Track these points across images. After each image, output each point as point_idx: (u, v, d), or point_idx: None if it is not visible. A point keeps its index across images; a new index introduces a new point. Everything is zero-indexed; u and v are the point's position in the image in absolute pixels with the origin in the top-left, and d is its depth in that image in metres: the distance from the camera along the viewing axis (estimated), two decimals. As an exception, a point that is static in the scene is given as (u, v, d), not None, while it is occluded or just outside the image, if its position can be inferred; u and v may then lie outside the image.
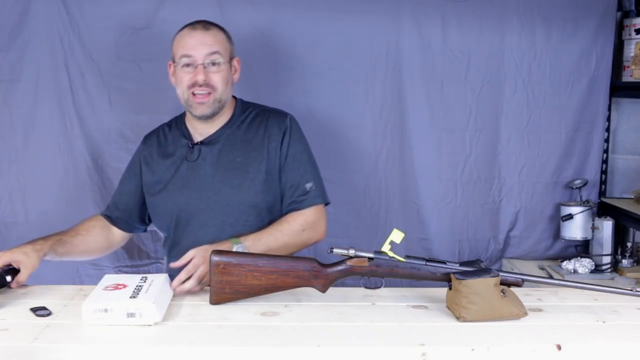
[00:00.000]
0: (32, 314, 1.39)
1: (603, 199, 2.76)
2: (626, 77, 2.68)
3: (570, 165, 2.71)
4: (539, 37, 2.61)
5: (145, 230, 2.08)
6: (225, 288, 1.47)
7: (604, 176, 2.78)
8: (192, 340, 1.29)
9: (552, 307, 1.51)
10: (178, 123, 2.00)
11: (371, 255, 1.48)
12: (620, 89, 2.71)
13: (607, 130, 2.75)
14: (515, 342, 1.31)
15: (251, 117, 1.91)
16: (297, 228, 1.78)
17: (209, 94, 1.81)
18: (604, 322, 1.43)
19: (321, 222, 1.83)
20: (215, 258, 1.47)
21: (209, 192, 1.84)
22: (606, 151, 2.77)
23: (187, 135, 1.92)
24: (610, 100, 2.71)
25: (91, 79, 2.46)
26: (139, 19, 2.44)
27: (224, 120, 1.90)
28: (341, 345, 1.29)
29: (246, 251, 1.68)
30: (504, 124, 2.66)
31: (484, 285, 1.39)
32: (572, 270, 2.58)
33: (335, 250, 1.49)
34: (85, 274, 2.52)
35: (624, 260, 2.64)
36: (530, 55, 2.62)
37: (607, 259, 2.62)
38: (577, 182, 2.67)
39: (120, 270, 2.55)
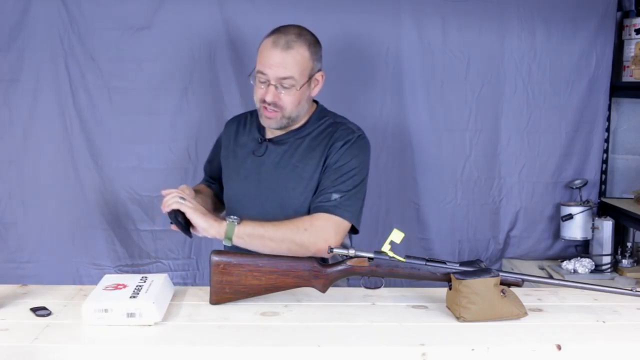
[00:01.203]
0: (32, 314, 1.39)
1: (603, 199, 2.76)
2: (626, 77, 2.68)
3: (570, 165, 2.72)
4: (539, 37, 2.61)
5: None
6: (225, 288, 1.47)
7: (604, 176, 2.79)
8: (192, 340, 1.29)
9: (552, 307, 1.51)
10: (257, 115, 1.92)
11: (371, 255, 1.48)
12: (620, 89, 2.71)
13: (607, 130, 2.75)
14: (515, 342, 1.31)
15: (324, 126, 1.83)
16: (299, 225, 1.69)
17: (277, 112, 1.75)
18: (604, 322, 1.43)
19: (330, 233, 1.67)
20: (215, 258, 1.47)
21: (265, 189, 1.82)
22: (606, 151, 2.78)
23: (261, 130, 1.88)
24: (610, 100, 2.71)
25: (91, 79, 2.46)
26: (139, 19, 2.44)
27: (298, 125, 1.83)
28: (341, 345, 1.29)
29: (236, 223, 1.63)
30: (504, 124, 2.66)
31: (484, 285, 1.39)
32: (572, 270, 2.58)
33: (335, 250, 1.49)
34: (85, 274, 2.52)
35: (624, 260, 2.64)
36: (530, 56, 2.62)
37: (607, 259, 2.62)
38: (577, 182, 2.67)
39: (120, 269, 2.55)
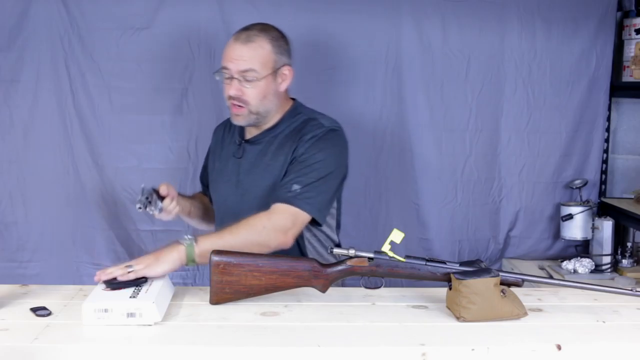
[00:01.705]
0: (32, 314, 1.39)
1: (603, 199, 2.76)
2: (626, 77, 2.68)
3: (570, 165, 2.71)
4: (539, 37, 2.61)
5: None
6: (225, 288, 1.46)
7: (604, 176, 2.78)
8: (192, 340, 1.29)
9: (552, 307, 1.51)
10: None
11: (371, 255, 1.48)
12: (620, 89, 2.71)
13: (607, 130, 2.75)
14: (515, 342, 1.31)
15: (297, 123, 1.84)
16: (257, 224, 1.65)
17: (242, 107, 1.77)
18: (604, 322, 1.43)
19: (287, 224, 1.67)
20: (215, 258, 1.47)
21: (242, 191, 1.84)
22: (606, 151, 2.78)
23: (242, 132, 1.90)
24: (610, 100, 2.71)
25: (91, 79, 2.46)
26: (139, 19, 2.44)
27: (272, 123, 1.85)
28: (341, 345, 1.29)
29: (193, 244, 1.55)
30: (504, 124, 2.66)
31: (484, 285, 1.39)
32: (572, 270, 2.58)
33: (335, 250, 1.49)
34: (85, 274, 2.52)
35: (624, 260, 2.64)
36: (530, 55, 2.62)
37: (607, 259, 2.62)
38: (577, 182, 2.67)
39: (120, 270, 2.55)
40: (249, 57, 1.74)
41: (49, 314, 1.40)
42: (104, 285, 1.46)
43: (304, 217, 1.70)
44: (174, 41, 2.47)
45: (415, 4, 2.54)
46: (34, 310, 1.40)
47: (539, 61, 2.63)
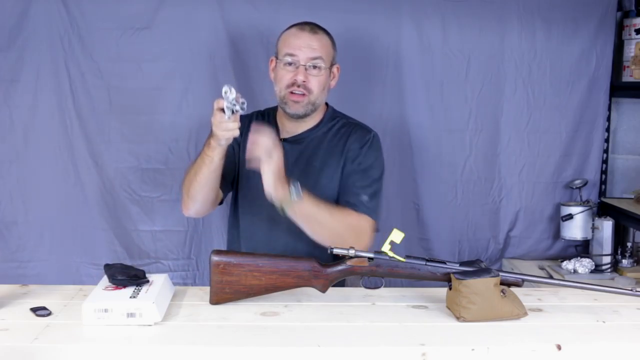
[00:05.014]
0: (32, 314, 1.39)
1: (603, 199, 2.76)
2: (626, 77, 2.68)
3: (570, 165, 2.72)
4: (539, 37, 2.61)
5: (220, 203, 1.99)
6: (225, 288, 1.46)
7: (604, 176, 2.79)
8: (192, 340, 1.29)
9: (552, 307, 1.51)
10: (270, 116, 2.00)
11: (371, 255, 1.48)
12: (620, 89, 2.71)
13: (607, 130, 2.75)
14: (515, 342, 1.31)
15: (338, 126, 1.91)
16: (348, 221, 1.74)
17: (304, 95, 1.82)
18: (604, 322, 1.43)
19: (366, 234, 1.76)
20: (215, 258, 1.47)
21: None
22: (606, 151, 2.78)
23: (275, 130, 1.91)
24: (610, 100, 2.71)
25: (91, 79, 2.46)
26: (139, 19, 2.44)
27: (312, 124, 1.90)
28: (341, 345, 1.29)
29: (300, 196, 1.66)
30: (504, 124, 2.66)
31: (484, 285, 1.39)
32: (572, 270, 2.58)
33: (335, 250, 1.49)
34: (85, 274, 2.52)
35: (624, 260, 2.64)
36: (530, 55, 2.62)
37: (607, 259, 2.62)
38: (577, 182, 2.67)
39: (120, 270, 2.54)
40: (318, 46, 1.83)
41: (49, 314, 1.40)
42: (104, 285, 1.46)
43: (374, 226, 1.80)
44: (174, 41, 2.46)
45: (415, 4, 2.54)
46: (34, 310, 1.40)
47: (539, 61, 2.63)
